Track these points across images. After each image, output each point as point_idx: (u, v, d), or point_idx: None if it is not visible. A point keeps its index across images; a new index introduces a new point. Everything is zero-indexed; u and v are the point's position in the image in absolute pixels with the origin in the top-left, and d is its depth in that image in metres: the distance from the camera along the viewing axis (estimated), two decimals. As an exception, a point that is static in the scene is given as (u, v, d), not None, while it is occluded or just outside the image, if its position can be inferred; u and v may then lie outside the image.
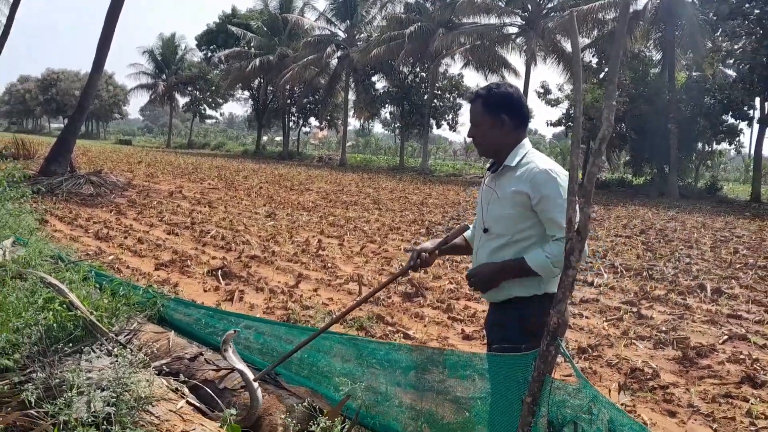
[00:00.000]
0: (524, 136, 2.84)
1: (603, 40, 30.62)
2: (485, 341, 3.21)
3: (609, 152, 34.98)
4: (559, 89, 35.30)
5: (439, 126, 46.53)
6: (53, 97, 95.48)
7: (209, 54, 59.40)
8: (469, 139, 3.00)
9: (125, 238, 10.40)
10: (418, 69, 44.00)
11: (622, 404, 4.53)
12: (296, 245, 10.58)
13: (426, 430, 2.97)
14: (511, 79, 39.68)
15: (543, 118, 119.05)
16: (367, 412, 3.16)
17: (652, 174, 33.05)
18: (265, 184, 23.05)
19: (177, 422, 2.95)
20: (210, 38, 58.49)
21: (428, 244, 3.05)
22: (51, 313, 3.68)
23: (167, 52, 63.24)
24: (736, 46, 26.93)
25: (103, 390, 2.97)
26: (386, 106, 47.99)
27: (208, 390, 3.40)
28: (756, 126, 29.84)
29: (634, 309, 7.27)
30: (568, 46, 33.67)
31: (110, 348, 3.61)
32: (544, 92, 35.65)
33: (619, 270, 9.64)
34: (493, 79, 39.28)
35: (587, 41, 32.87)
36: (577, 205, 2.19)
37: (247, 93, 57.53)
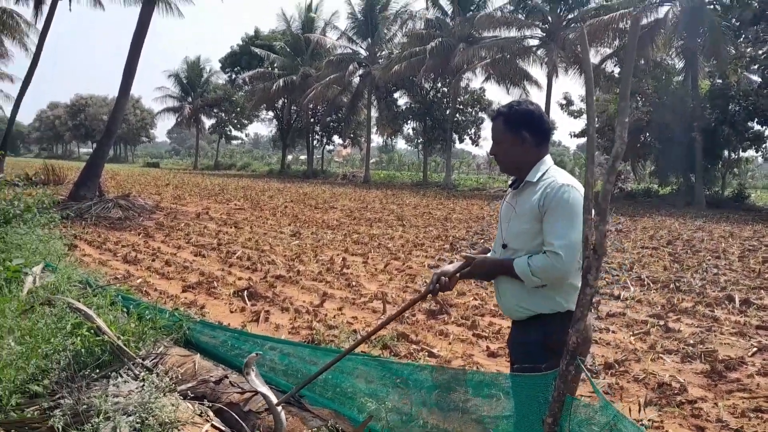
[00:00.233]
0: (546, 153, 2.85)
1: (625, 49, 30.42)
2: (510, 359, 3.20)
3: (634, 162, 34.69)
4: (582, 100, 35.11)
5: (461, 140, 46.70)
6: (82, 123, 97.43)
7: (233, 76, 60.16)
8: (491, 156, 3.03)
9: (153, 260, 10.54)
10: (439, 84, 44.12)
11: (649, 420, 4.47)
12: (321, 264, 10.64)
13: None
14: (533, 90, 39.74)
15: (566, 129, 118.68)
16: (391, 432, 3.16)
17: (678, 183, 32.67)
18: (290, 203, 23.22)
19: (202, 446, 2.98)
20: (234, 60, 59.26)
21: (449, 267, 3.00)
22: (79, 338, 3.76)
23: (192, 75, 64.17)
24: (760, 51, 26.59)
25: (129, 415, 3.02)
26: (409, 122, 48.20)
27: (233, 413, 3.44)
28: (783, 132, 29.45)
29: (661, 322, 7.18)
30: (590, 57, 33.50)
31: (137, 372, 3.66)
32: (567, 103, 35.59)
33: (645, 282, 9.54)
34: (515, 91, 39.36)
35: (609, 51, 32.75)
36: (593, 223, 2.20)
37: (271, 113, 58.12)
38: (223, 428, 3.31)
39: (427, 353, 5.88)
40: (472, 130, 45.63)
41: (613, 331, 6.86)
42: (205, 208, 19.63)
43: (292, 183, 40.45)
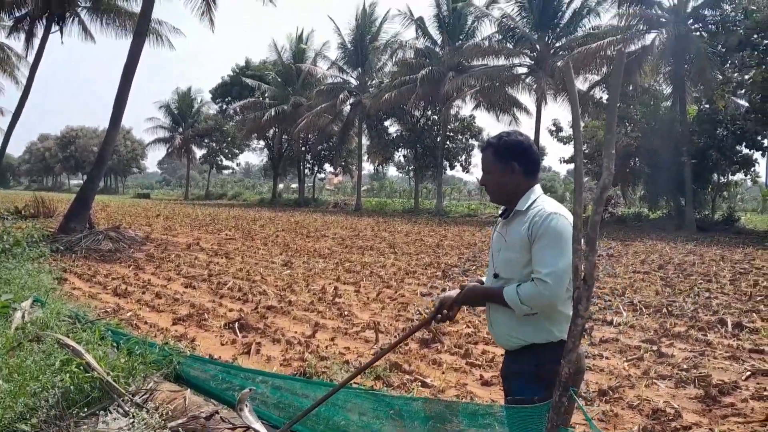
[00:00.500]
0: (535, 183, 2.88)
1: (610, 81, 30.68)
2: (503, 389, 3.17)
3: (624, 187, 34.84)
4: (571, 126, 35.36)
5: (452, 167, 46.94)
6: (72, 154, 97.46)
7: (224, 106, 60.44)
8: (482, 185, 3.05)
9: (143, 293, 10.46)
10: (429, 112, 44.49)
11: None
12: (312, 293, 10.59)
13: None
14: (522, 117, 40.10)
15: (556, 154, 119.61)
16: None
17: (668, 207, 32.84)
18: (282, 232, 23.18)
19: (193, 484, 2.94)
20: (225, 90, 59.60)
21: (452, 293, 3.00)
22: (68, 375, 3.72)
23: (183, 105, 64.48)
24: (746, 77, 26.92)
25: (118, 454, 2.98)
26: (399, 149, 48.44)
27: (224, 449, 3.39)
28: (771, 155, 29.73)
29: (655, 347, 7.16)
30: (578, 84, 33.87)
31: (126, 409, 3.62)
32: (556, 130, 35.84)
33: (638, 307, 9.54)
34: (505, 118, 39.75)
35: (597, 78, 33.09)
36: (582, 253, 2.20)
37: (262, 142, 58.39)
38: (214, 465, 3.27)
39: (420, 383, 5.83)
40: (463, 157, 45.98)
41: (607, 357, 6.84)
42: (195, 239, 19.56)
43: (284, 211, 40.44)
